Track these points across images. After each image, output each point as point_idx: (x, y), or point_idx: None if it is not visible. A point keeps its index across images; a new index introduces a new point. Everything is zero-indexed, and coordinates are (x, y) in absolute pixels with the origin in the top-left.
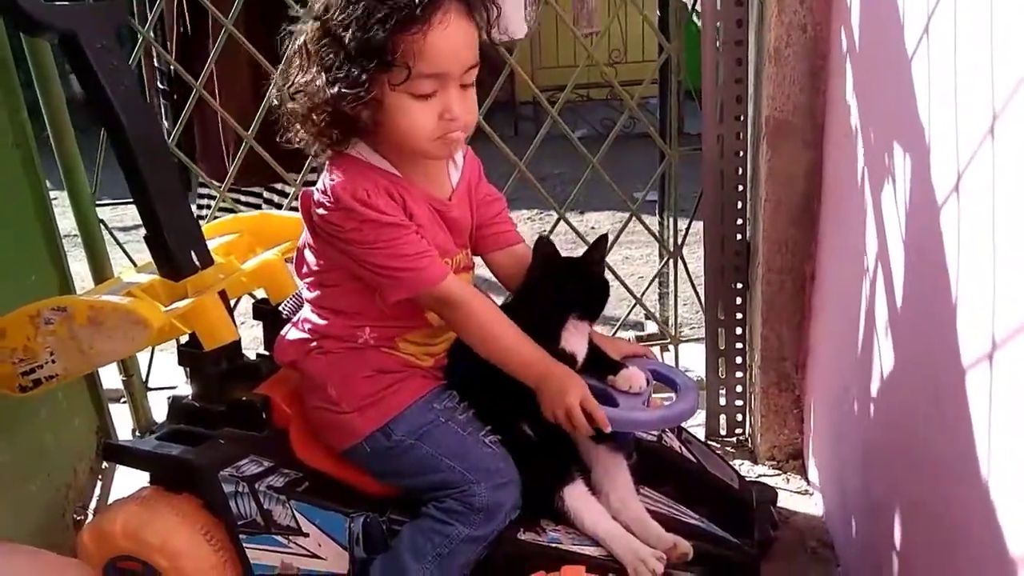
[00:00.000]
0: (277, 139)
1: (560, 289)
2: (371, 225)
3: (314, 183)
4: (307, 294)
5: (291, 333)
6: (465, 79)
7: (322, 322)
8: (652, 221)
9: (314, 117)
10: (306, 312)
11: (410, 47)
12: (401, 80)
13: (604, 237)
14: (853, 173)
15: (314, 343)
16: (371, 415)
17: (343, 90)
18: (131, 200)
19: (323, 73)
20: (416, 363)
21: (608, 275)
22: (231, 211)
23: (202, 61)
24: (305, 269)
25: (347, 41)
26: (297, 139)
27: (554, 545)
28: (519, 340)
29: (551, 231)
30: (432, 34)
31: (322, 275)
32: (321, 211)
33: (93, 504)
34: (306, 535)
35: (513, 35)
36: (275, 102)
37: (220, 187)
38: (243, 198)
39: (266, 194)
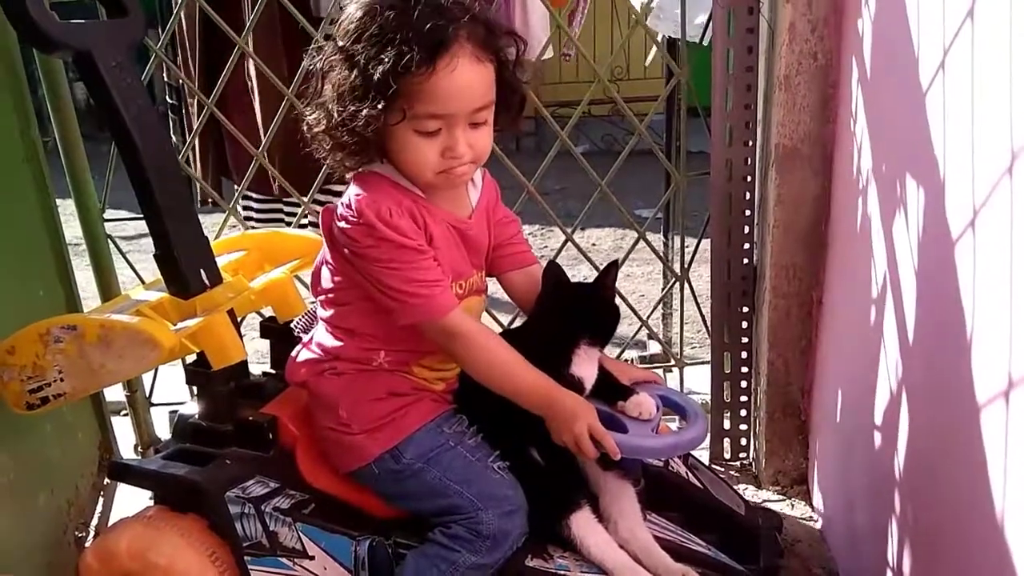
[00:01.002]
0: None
1: (570, 315)
2: (388, 245)
3: (323, 203)
4: (322, 313)
5: (303, 353)
6: (476, 118)
7: (336, 343)
8: (655, 238)
9: (334, 134)
10: (319, 332)
11: (412, 88)
12: (397, 121)
13: (615, 263)
14: (862, 201)
15: (327, 364)
16: (381, 437)
17: (353, 116)
18: (139, 215)
19: (336, 97)
20: (428, 387)
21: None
22: (279, 220)
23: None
24: (321, 287)
25: (354, 75)
26: (320, 155)
27: (562, 572)
28: (525, 371)
29: (558, 252)
30: (436, 77)
31: (338, 293)
32: (343, 224)
33: (95, 521)
34: (312, 558)
35: (542, 58)
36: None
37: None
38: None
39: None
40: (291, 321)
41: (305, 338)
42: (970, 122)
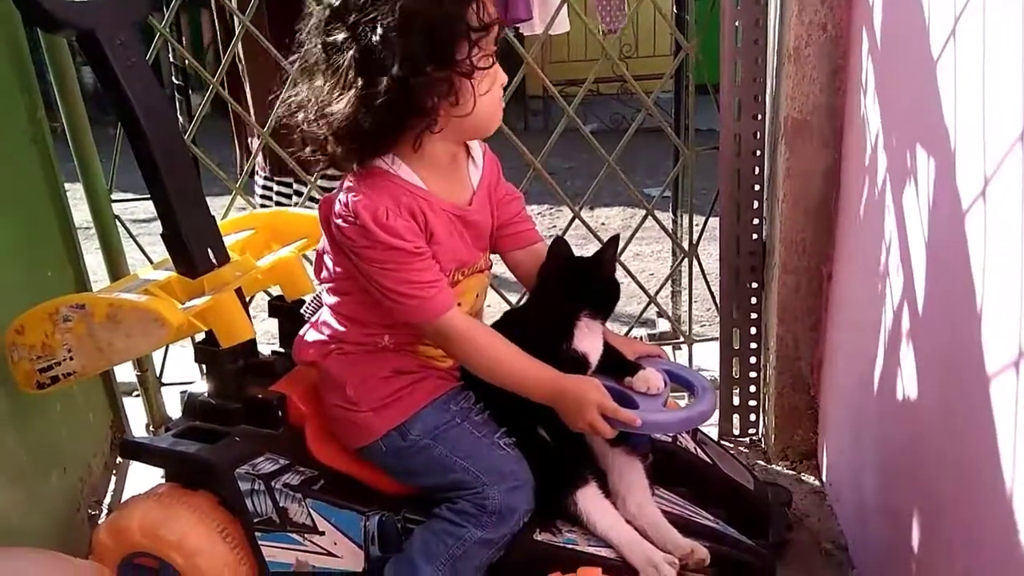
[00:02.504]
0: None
1: (570, 288)
2: (383, 246)
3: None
4: (327, 298)
5: (310, 334)
6: None
7: (341, 328)
8: (664, 217)
9: (375, 126)
10: (326, 315)
11: (489, 10)
12: (497, 38)
13: (616, 237)
14: (873, 174)
15: (333, 345)
16: (388, 415)
17: (446, 72)
18: (145, 196)
19: (419, 64)
20: (435, 364)
21: (620, 272)
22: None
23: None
24: (324, 274)
25: (418, 40)
26: (321, 157)
27: (570, 546)
28: (527, 365)
29: (565, 231)
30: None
31: (340, 283)
32: (340, 222)
33: (108, 499)
34: (321, 533)
35: (557, 32)
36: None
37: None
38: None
39: (295, 185)
40: (299, 300)
41: (313, 319)
42: (981, 91)
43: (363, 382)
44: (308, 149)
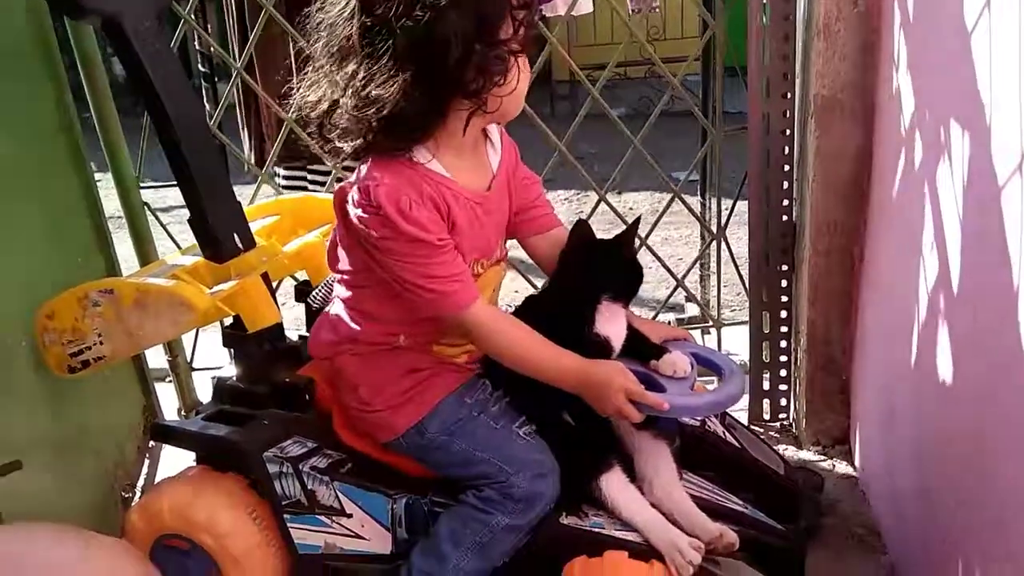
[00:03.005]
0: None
1: (590, 271)
2: (406, 237)
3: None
4: (340, 291)
5: (324, 331)
6: None
7: (355, 327)
8: (693, 201)
9: (415, 110)
10: (339, 309)
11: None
12: (533, 21)
13: (637, 219)
14: (906, 152)
15: (346, 345)
16: (404, 413)
17: (496, 53)
18: (173, 183)
19: (474, 44)
20: (450, 362)
21: (648, 256)
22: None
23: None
24: (338, 266)
25: (466, 20)
26: (346, 147)
27: (596, 530)
28: (553, 355)
29: (591, 214)
30: None
31: (356, 276)
32: (358, 211)
33: (140, 482)
34: (349, 516)
35: (581, 12)
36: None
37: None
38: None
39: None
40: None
41: (325, 311)
42: (1018, 64)
43: (376, 383)
44: (339, 133)
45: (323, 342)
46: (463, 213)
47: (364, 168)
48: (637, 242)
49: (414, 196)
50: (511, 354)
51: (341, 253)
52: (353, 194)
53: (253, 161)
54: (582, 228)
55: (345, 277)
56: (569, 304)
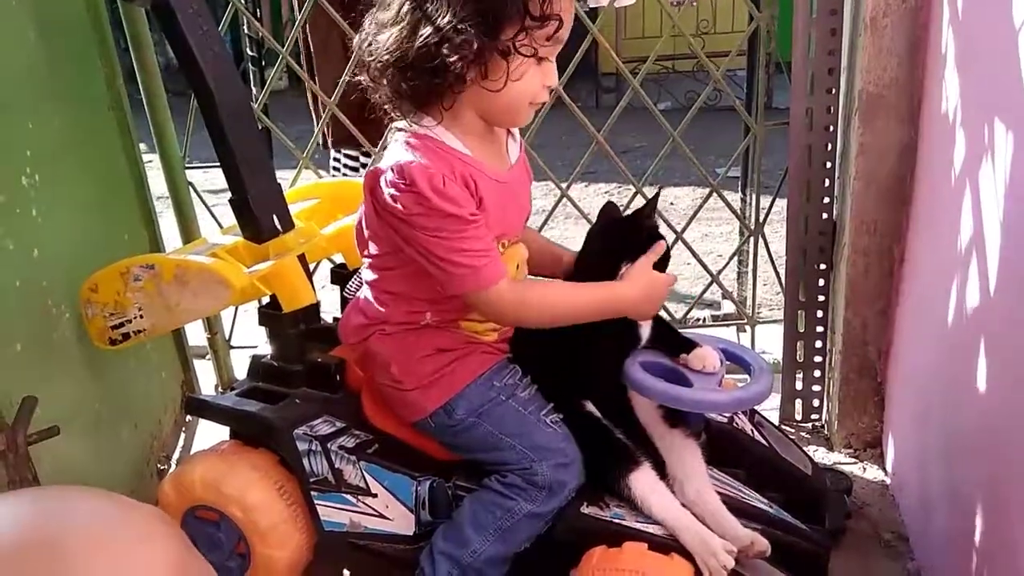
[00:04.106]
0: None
1: (612, 240)
2: (439, 213)
3: None
4: (367, 275)
5: (353, 317)
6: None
7: (382, 309)
8: (734, 197)
9: (411, 70)
10: (367, 292)
11: (556, 6)
12: (551, 36)
13: (657, 193)
14: (952, 152)
15: (375, 327)
16: (433, 394)
17: (482, 44)
18: (218, 164)
19: (459, 26)
20: (478, 339)
21: (686, 253)
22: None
23: None
24: (365, 251)
25: (469, 4)
26: (378, 97)
27: (617, 521)
28: (579, 294)
29: (626, 206)
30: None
31: (380, 258)
32: (391, 190)
33: (176, 455)
34: (374, 495)
35: (622, 2)
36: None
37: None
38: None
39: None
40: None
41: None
42: None
43: (407, 361)
44: (376, 99)
45: (354, 326)
46: (489, 191)
47: (394, 149)
48: (672, 236)
49: (447, 172)
50: (539, 316)
51: (367, 235)
52: (387, 175)
53: (320, 143)
54: (608, 208)
55: (371, 260)
56: (592, 270)
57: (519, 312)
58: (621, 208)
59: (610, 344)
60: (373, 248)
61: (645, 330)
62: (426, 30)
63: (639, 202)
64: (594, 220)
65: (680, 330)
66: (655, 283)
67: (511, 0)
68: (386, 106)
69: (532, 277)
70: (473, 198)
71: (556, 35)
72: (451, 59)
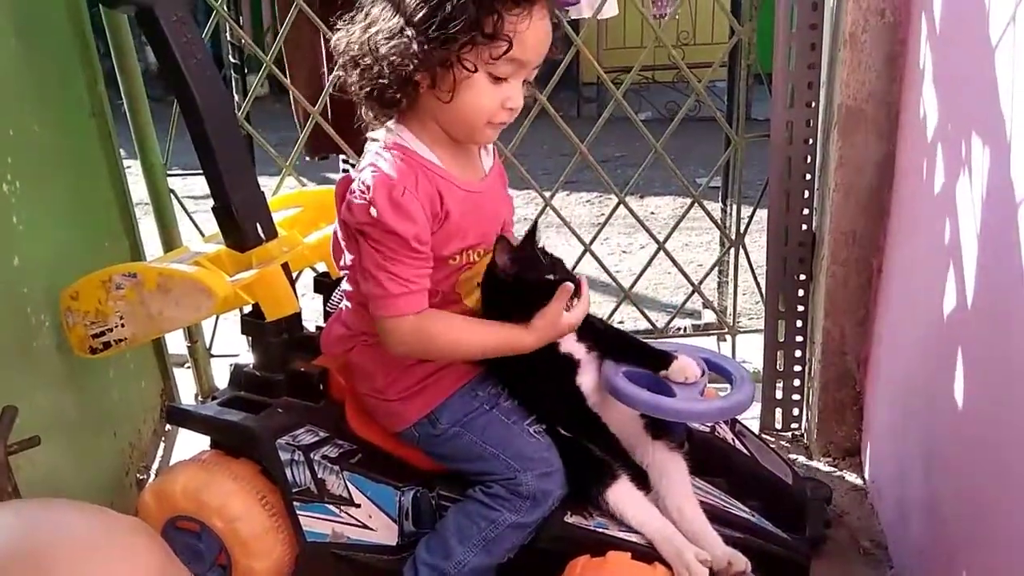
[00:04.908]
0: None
1: (496, 304)
2: (383, 228)
3: None
4: (346, 285)
5: (335, 329)
6: (531, 74)
7: (362, 320)
8: (715, 207)
9: (366, 69)
10: (347, 304)
11: (504, 28)
12: (498, 55)
13: (534, 226)
14: (929, 165)
15: (359, 337)
16: (416, 403)
17: (424, 49)
18: (200, 172)
19: (405, 28)
20: None
21: (667, 262)
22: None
23: None
24: (341, 261)
25: (448, 5)
26: (355, 96)
27: (600, 530)
28: (484, 337)
29: (608, 218)
30: (531, 22)
31: (354, 270)
32: (352, 199)
33: (155, 464)
34: (357, 506)
35: (605, 16)
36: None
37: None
38: None
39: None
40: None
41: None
42: None
43: (390, 372)
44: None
45: (336, 336)
46: (456, 204)
47: (366, 158)
48: (655, 246)
49: (410, 185)
50: (448, 352)
51: (344, 245)
52: (355, 184)
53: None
54: (500, 258)
55: (347, 272)
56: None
57: (413, 348)
58: (601, 218)
59: (545, 368)
60: (348, 258)
61: (573, 347)
62: (375, 28)
63: (621, 212)
64: (567, 230)
65: (662, 339)
66: (556, 328)
67: (461, 12)
68: (361, 109)
69: None
70: (436, 216)
71: (513, 57)
72: (394, 59)
